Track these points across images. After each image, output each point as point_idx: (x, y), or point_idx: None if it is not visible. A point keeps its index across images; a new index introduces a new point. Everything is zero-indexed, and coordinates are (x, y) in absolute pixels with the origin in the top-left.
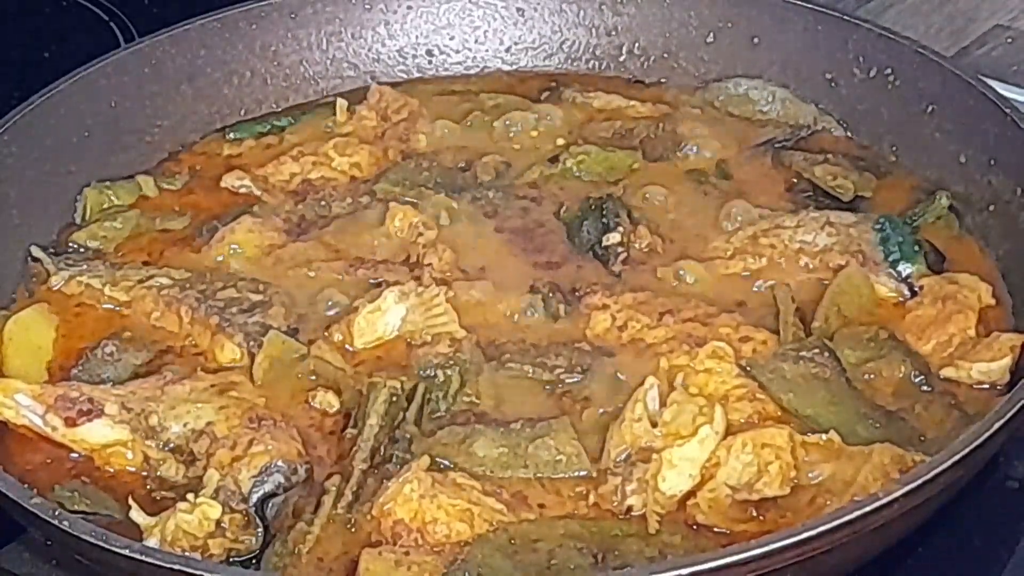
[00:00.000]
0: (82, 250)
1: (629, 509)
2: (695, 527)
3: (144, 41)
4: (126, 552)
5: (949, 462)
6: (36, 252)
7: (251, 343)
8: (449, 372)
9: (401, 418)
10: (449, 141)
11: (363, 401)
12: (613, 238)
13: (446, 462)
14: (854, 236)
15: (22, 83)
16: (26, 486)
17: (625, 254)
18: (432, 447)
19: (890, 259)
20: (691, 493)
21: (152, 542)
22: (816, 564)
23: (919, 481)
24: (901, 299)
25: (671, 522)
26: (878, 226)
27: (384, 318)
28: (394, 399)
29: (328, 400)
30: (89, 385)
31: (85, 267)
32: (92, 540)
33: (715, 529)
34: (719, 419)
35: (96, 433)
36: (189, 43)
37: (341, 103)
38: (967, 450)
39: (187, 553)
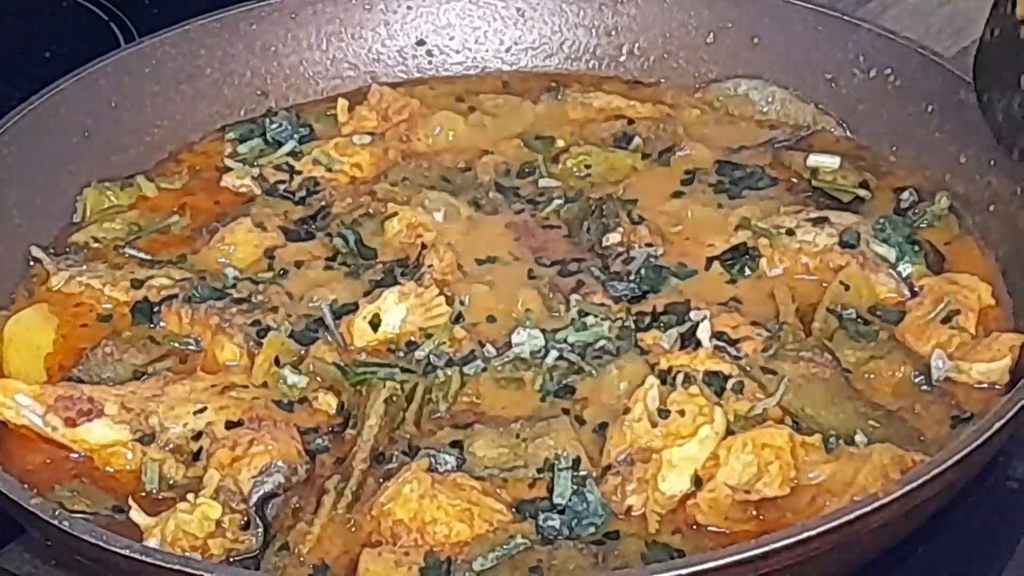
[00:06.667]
0: (82, 250)
1: (629, 509)
2: (695, 527)
3: (144, 41)
4: (126, 552)
5: (948, 463)
6: (36, 252)
7: (251, 343)
8: (449, 372)
9: (401, 418)
10: (449, 142)
11: (362, 401)
12: (613, 238)
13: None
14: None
15: (22, 83)
16: (26, 486)
17: (625, 254)
18: (432, 447)
19: (891, 257)
20: (691, 493)
21: (152, 542)
22: (816, 564)
23: (918, 482)
24: (901, 299)
25: (670, 522)
26: (878, 226)
27: (384, 318)
28: (394, 399)
29: (327, 401)
30: (89, 385)
31: (85, 267)
32: (92, 540)
33: (715, 529)
34: (719, 419)
35: (96, 433)
36: (189, 43)
37: (342, 103)
38: (967, 451)
39: (187, 553)
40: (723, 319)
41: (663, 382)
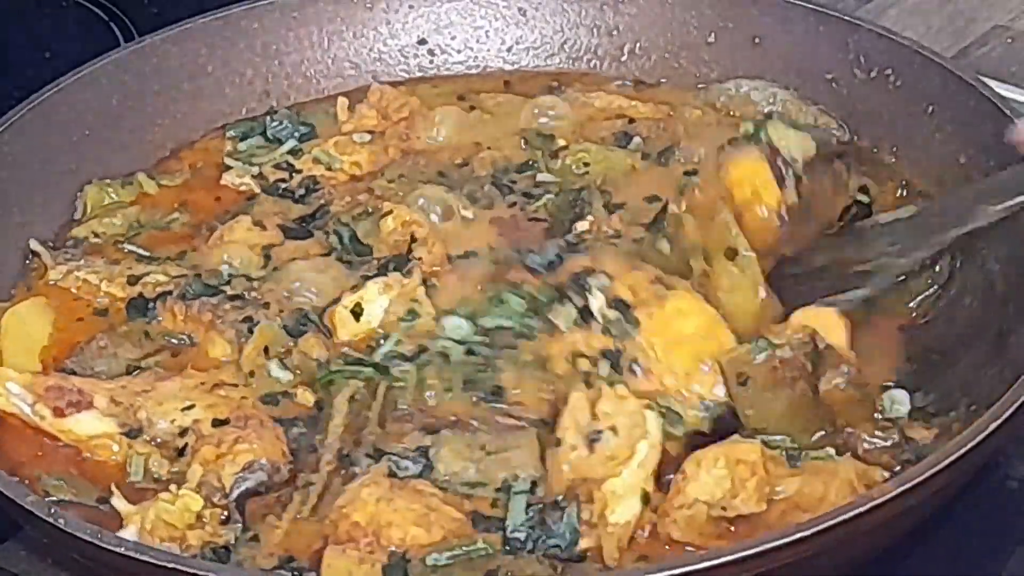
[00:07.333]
0: (81, 244)
1: (583, 554)
2: (667, 545)
3: (146, 39)
4: (121, 550)
5: (939, 467)
6: (35, 245)
7: (241, 339)
8: (406, 368)
9: (365, 418)
10: (449, 140)
11: (327, 400)
12: (582, 226)
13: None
14: None
15: (22, 83)
16: (15, 478)
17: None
18: (397, 453)
19: None
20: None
21: (131, 529)
22: (809, 566)
23: (909, 485)
24: None
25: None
26: None
27: (366, 308)
28: (357, 398)
29: (306, 396)
30: (79, 377)
31: (83, 262)
32: (88, 538)
33: (685, 544)
34: (653, 428)
35: (84, 425)
36: (191, 42)
37: (342, 102)
38: (960, 453)
39: (165, 544)
40: (631, 277)
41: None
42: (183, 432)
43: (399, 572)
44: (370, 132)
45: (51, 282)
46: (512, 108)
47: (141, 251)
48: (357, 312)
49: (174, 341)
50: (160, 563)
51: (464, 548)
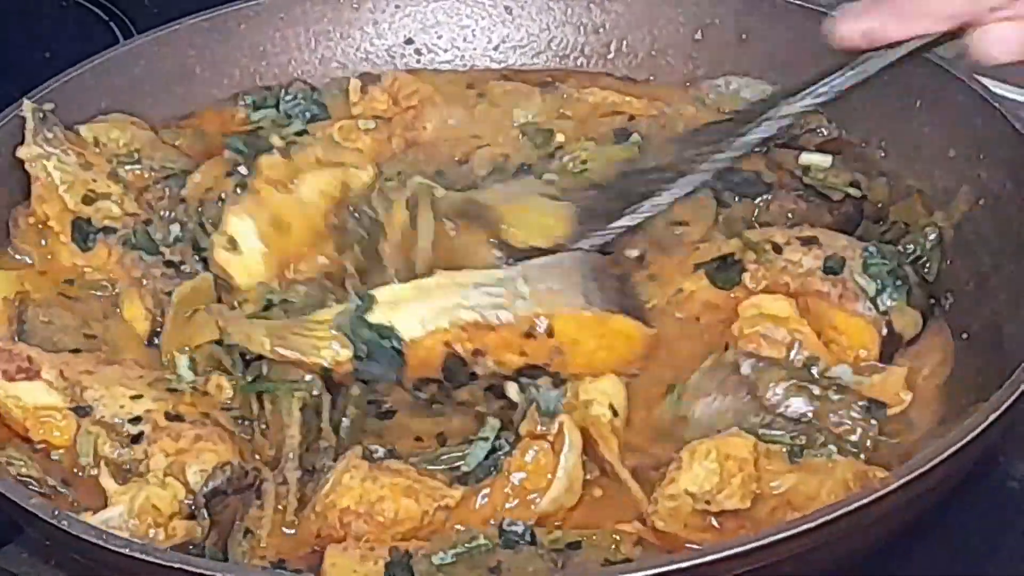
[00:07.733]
0: (72, 133)
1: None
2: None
3: (135, 40)
4: (127, 551)
5: (911, 476)
6: (27, 107)
7: (157, 311)
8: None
9: (318, 428)
10: (454, 131)
11: (277, 410)
12: None
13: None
14: None
15: (22, 83)
16: None
17: None
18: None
19: (871, 290)
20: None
21: (118, 510)
22: (806, 561)
23: (916, 473)
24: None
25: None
26: (867, 254)
27: (239, 240)
28: (305, 407)
29: (218, 382)
30: (28, 346)
31: (58, 151)
32: (92, 540)
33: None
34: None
35: (32, 394)
36: (179, 43)
37: (355, 83)
38: (960, 444)
39: (151, 530)
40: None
41: None
42: (135, 420)
43: (402, 569)
44: (377, 118)
45: (17, 154)
46: (518, 98)
47: (120, 169)
48: (233, 246)
49: (97, 292)
50: (167, 563)
51: (466, 545)
